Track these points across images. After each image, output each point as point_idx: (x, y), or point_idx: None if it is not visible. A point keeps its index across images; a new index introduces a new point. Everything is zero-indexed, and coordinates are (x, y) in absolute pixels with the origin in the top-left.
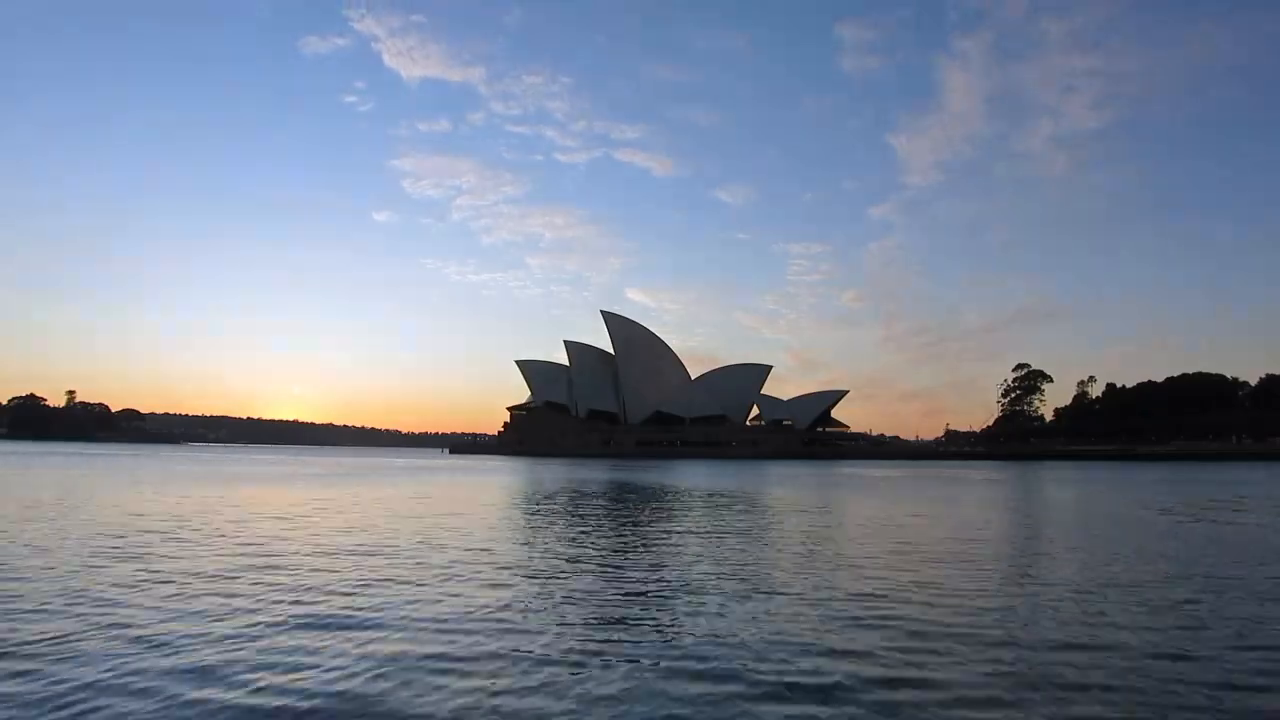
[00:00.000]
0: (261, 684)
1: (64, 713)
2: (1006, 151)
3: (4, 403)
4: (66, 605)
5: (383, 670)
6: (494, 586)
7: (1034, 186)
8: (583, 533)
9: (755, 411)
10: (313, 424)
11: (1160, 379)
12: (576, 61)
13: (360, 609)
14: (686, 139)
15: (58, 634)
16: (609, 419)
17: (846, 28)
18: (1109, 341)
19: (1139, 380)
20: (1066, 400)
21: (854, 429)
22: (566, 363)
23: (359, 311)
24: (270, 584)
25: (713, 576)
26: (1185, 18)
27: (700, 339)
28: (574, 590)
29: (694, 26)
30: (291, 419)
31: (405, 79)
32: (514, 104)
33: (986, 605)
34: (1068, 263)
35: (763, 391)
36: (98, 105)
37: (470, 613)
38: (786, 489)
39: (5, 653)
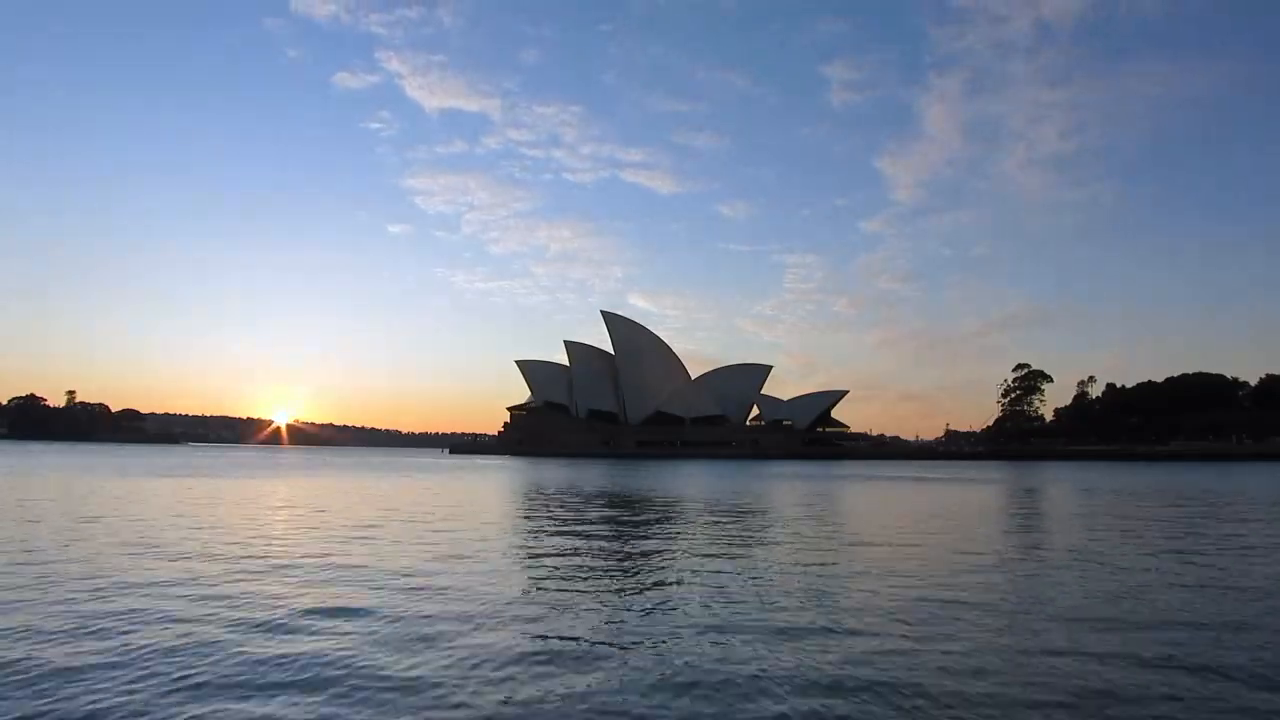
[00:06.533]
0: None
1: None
2: (985, 173)
3: (4, 403)
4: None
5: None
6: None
7: (1014, 202)
8: (577, 532)
9: (755, 412)
10: (313, 424)
11: (1160, 379)
12: (587, 95)
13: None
14: (689, 162)
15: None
16: (609, 419)
17: (833, 68)
18: (1108, 342)
19: (1139, 380)
20: (1066, 400)
21: (854, 429)
22: (567, 363)
23: (363, 315)
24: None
25: (706, 576)
26: (1143, 58)
27: (700, 343)
28: (562, 584)
29: (696, 65)
30: (292, 419)
31: (426, 109)
32: (526, 131)
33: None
34: (1056, 269)
35: (762, 392)
36: (116, 113)
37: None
38: (789, 493)
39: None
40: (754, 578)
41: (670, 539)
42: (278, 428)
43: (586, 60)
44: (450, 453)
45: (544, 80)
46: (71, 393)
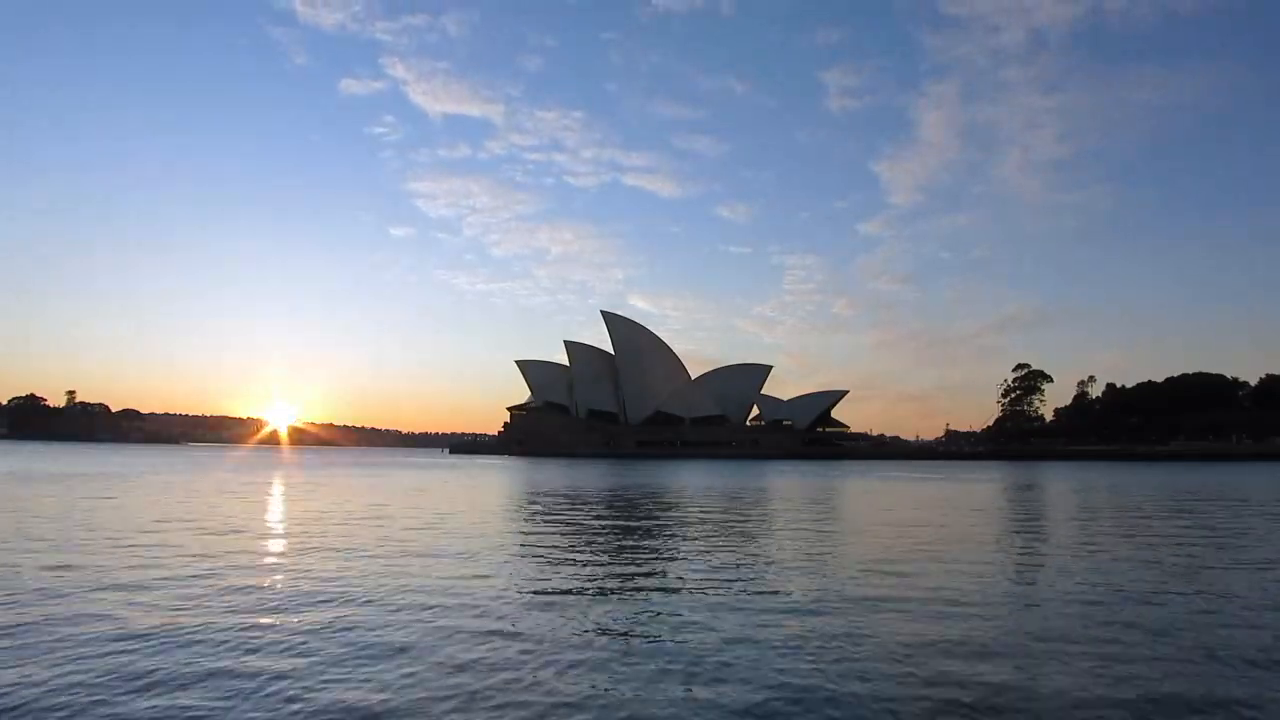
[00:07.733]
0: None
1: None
2: (981, 177)
3: (4, 403)
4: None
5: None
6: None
7: (1012, 205)
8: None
9: (755, 412)
10: (313, 424)
11: (1160, 379)
12: (589, 100)
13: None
14: (690, 165)
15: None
16: (609, 419)
17: (831, 74)
18: (1108, 342)
19: (1139, 380)
20: (1067, 400)
21: (854, 429)
22: (567, 363)
23: (364, 316)
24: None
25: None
26: (1139, 62)
27: (700, 343)
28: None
29: (697, 71)
30: (293, 419)
31: (429, 114)
32: (529, 135)
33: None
34: (1056, 271)
35: (762, 392)
36: (119, 114)
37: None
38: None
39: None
40: (755, 577)
41: (672, 538)
42: (277, 429)
43: (588, 66)
44: (450, 452)
45: (546, 86)
46: (71, 393)
